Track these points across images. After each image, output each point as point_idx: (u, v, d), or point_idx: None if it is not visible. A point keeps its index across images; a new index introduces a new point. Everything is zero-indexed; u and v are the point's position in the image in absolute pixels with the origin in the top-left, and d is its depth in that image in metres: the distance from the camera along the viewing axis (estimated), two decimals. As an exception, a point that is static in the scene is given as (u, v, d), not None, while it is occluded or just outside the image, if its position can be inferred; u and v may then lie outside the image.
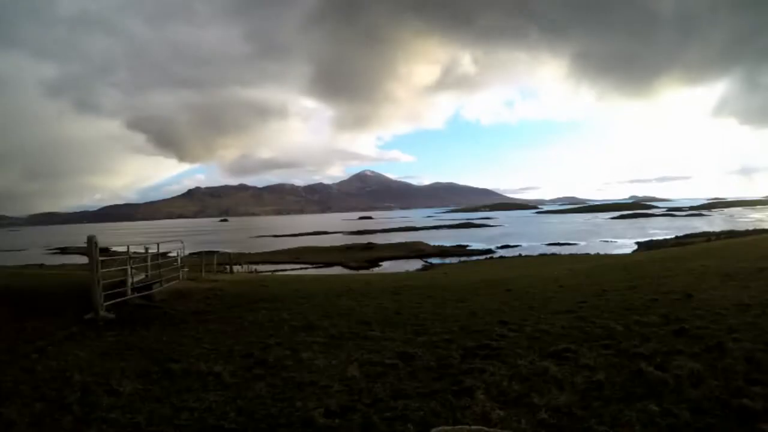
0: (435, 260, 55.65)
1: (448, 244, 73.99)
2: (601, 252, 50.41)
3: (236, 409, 3.77)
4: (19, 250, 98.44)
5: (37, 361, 5.30)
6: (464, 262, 49.75)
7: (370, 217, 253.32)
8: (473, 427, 3.04)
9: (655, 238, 66.87)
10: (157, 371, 4.87)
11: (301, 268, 49.86)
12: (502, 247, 68.87)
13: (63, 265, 40.69)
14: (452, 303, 8.26)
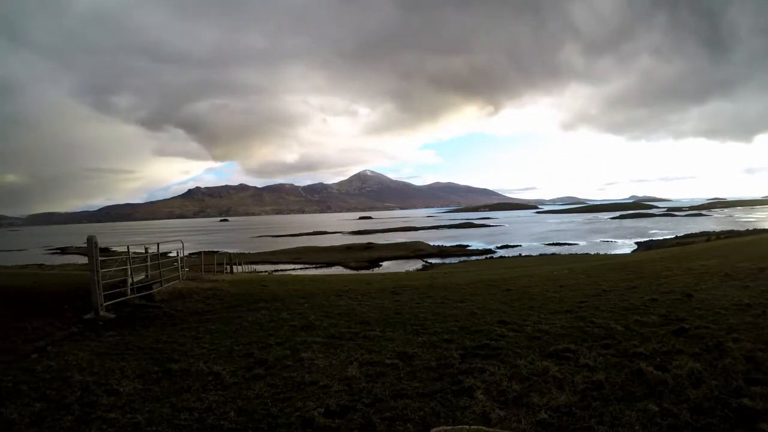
0: (435, 260, 55.71)
1: (448, 244, 74.06)
2: (601, 252, 50.47)
3: (236, 409, 3.77)
4: (19, 250, 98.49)
5: (37, 361, 5.30)
6: (464, 262, 49.81)
7: (369, 217, 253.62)
8: (473, 427, 3.05)
9: (655, 238, 66.95)
10: (157, 371, 4.86)
11: (301, 268, 49.90)
12: (502, 247, 68.95)
13: (63, 265, 40.70)
14: (452, 303, 8.25)
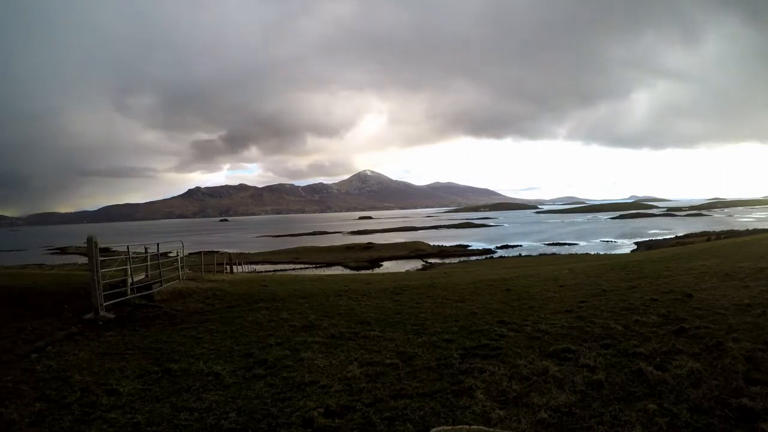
0: (435, 260, 55.72)
1: (448, 244, 74.06)
2: (601, 252, 50.49)
3: (236, 409, 3.77)
4: (19, 250, 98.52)
5: (37, 361, 5.30)
6: (464, 262, 49.79)
7: (370, 217, 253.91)
8: (473, 427, 3.05)
9: (655, 238, 66.99)
10: (157, 371, 4.86)
11: (301, 268, 49.91)
12: (502, 247, 68.97)
13: (63, 265, 40.71)
14: (452, 303, 8.25)
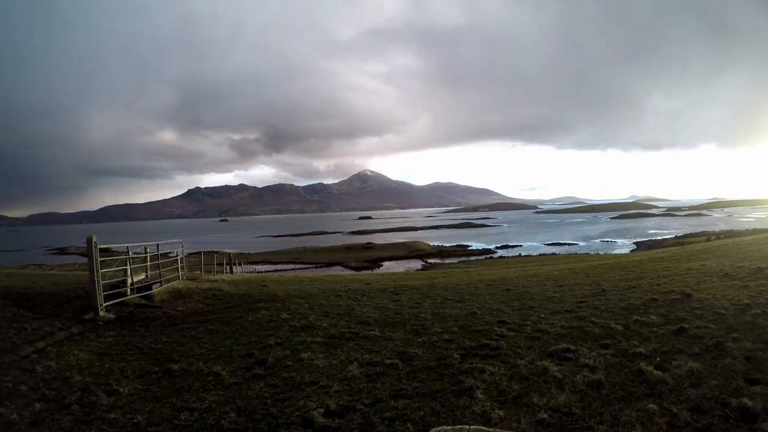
0: (435, 260, 55.78)
1: (447, 244, 74.15)
2: (601, 252, 50.51)
3: (236, 409, 3.77)
4: (19, 250, 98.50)
5: (37, 361, 5.29)
6: (464, 262, 49.83)
7: (369, 217, 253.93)
8: (473, 427, 3.05)
9: (655, 238, 67.04)
10: (157, 371, 4.87)
11: (301, 269, 49.91)
12: (502, 247, 69.07)
13: (62, 266, 40.70)
14: (452, 303, 8.25)
